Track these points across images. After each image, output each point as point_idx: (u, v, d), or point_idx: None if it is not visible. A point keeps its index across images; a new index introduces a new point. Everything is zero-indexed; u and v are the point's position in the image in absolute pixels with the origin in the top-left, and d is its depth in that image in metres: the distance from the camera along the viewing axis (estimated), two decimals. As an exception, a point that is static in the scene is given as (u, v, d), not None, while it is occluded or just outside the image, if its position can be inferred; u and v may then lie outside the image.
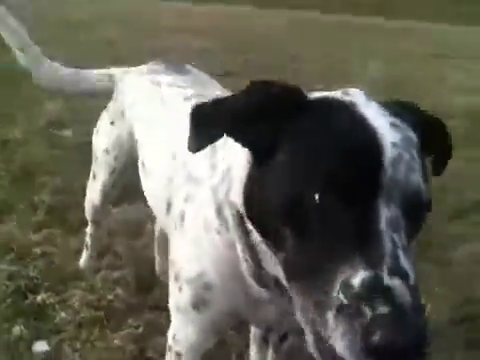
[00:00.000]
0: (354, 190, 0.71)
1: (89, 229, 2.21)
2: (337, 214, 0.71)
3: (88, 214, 2.13)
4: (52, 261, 2.28)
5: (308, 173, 0.75)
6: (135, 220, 2.63)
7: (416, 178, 0.74)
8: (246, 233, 0.98)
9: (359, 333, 0.65)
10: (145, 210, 2.15)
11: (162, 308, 1.99)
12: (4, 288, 2.04)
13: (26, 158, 3.28)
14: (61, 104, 4.05)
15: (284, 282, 0.86)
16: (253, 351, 1.51)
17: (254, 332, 1.49)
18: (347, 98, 0.82)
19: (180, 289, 1.16)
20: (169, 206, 1.29)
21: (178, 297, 1.18)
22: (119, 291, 2.09)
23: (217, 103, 0.88)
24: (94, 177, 1.96)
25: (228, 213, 1.02)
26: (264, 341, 1.46)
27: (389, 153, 0.73)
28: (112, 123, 1.80)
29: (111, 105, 1.85)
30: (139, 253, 2.40)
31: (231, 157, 1.03)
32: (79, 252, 2.35)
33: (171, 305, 1.23)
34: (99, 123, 1.92)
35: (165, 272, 2.23)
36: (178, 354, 1.23)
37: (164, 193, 1.32)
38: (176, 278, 1.17)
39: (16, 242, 2.41)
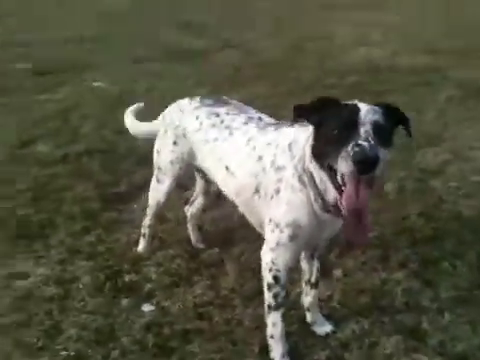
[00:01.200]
0: (349, 126, 1.73)
1: (147, 221, 2.96)
2: (344, 135, 1.72)
3: (152, 210, 2.90)
4: (113, 254, 3.01)
5: (334, 128, 1.77)
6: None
7: (376, 117, 1.76)
8: (315, 184, 1.94)
9: (348, 158, 1.65)
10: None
11: (212, 265, 2.89)
12: (97, 278, 2.77)
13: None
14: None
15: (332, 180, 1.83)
16: (304, 264, 2.42)
17: (304, 253, 2.38)
18: (353, 103, 1.86)
19: (281, 231, 2.04)
20: (257, 190, 2.16)
21: (279, 236, 2.05)
22: (179, 261, 2.91)
23: (303, 106, 1.90)
24: (158, 181, 2.77)
25: (304, 177, 1.97)
26: (311, 257, 2.39)
27: (363, 115, 1.75)
28: (175, 143, 2.59)
29: (169, 132, 2.62)
30: (176, 234, 3.22)
31: (299, 151, 2.01)
32: (128, 243, 3.10)
33: (271, 243, 2.09)
34: (159, 144, 2.71)
35: (198, 241, 3.09)
36: (278, 270, 2.11)
37: (251, 182, 2.18)
38: (277, 226, 2.05)
39: (74, 246, 3.09)
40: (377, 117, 1.77)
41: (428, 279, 2.76)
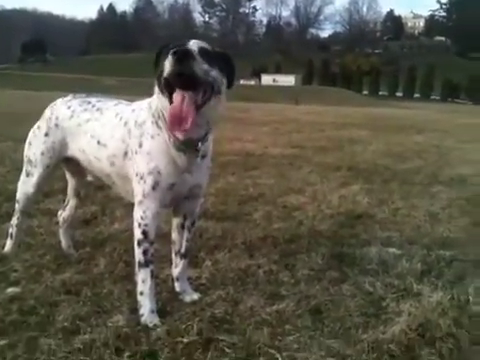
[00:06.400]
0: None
1: (15, 220, 2.92)
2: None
3: (21, 206, 2.88)
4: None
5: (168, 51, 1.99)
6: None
7: (203, 45, 2.06)
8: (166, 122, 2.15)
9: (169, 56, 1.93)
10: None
11: (83, 259, 2.91)
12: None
13: None
14: None
15: None
16: (175, 234, 2.55)
17: (175, 223, 2.54)
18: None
19: (145, 181, 2.22)
20: (126, 153, 2.34)
21: (143, 186, 2.22)
22: (48, 257, 2.90)
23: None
24: (28, 175, 2.79)
25: (160, 121, 2.20)
26: (181, 227, 2.52)
27: (191, 43, 2.06)
28: (46, 134, 2.71)
29: (42, 125, 2.75)
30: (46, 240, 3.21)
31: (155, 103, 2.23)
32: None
33: (138, 195, 2.24)
34: (31, 138, 2.80)
35: (69, 247, 3.08)
36: (146, 225, 2.24)
37: (120, 147, 2.35)
38: (141, 177, 2.22)
39: None
40: (204, 45, 2.07)
41: (287, 264, 3.05)
